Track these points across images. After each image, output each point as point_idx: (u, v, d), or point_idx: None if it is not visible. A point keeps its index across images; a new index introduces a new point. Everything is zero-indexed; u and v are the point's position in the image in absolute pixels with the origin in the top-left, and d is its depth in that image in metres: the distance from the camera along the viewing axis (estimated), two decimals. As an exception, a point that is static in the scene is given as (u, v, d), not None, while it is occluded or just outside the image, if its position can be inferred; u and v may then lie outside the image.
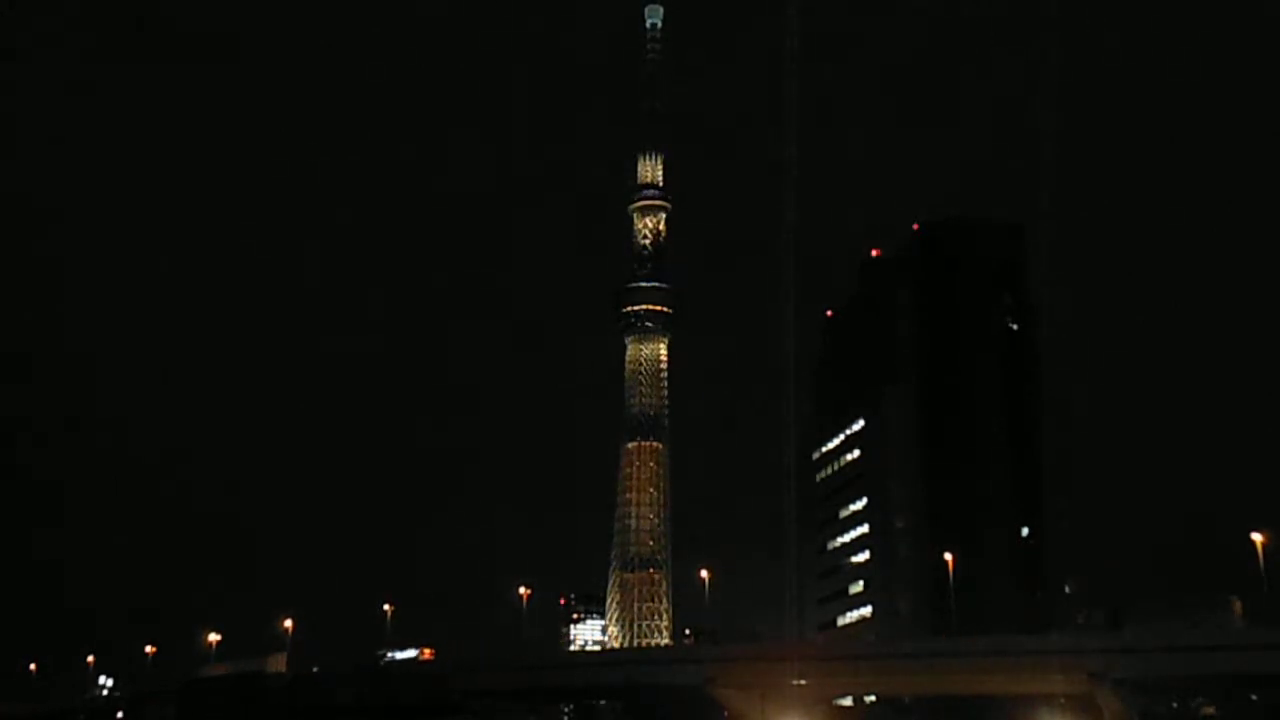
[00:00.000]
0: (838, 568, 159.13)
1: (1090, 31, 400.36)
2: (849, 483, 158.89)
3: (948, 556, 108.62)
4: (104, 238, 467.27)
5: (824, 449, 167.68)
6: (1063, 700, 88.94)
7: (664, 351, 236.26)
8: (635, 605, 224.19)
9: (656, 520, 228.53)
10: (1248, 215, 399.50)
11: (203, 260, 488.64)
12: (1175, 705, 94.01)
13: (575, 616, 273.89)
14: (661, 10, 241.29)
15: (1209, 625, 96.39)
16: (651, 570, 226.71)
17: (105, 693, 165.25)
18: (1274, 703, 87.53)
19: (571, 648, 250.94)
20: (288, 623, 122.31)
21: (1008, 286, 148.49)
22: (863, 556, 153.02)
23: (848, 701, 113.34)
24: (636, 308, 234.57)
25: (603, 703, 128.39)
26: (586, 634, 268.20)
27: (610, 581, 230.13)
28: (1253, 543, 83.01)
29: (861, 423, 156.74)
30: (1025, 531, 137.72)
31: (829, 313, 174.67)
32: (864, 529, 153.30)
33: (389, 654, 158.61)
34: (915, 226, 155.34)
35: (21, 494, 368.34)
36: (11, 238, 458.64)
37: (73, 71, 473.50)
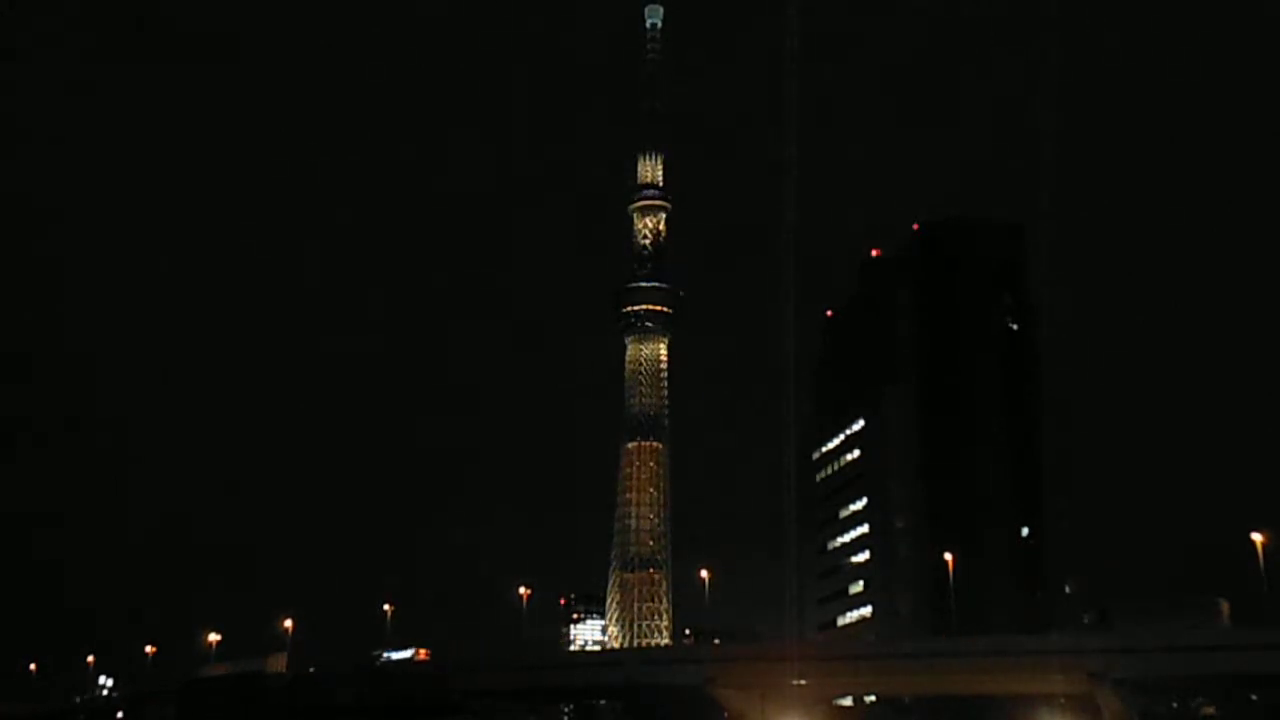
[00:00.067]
0: (838, 568, 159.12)
1: (1090, 31, 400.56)
2: (849, 483, 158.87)
3: (948, 556, 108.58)
4: (104, 238, 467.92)
5: (824, 449, 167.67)
6: (1063, 700, 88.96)
7: (664, 351, 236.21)
8: (635, 605, 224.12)
9: (656, 520, 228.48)
10: (1248, 215, 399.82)
11: (203, 260, 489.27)
12: (1175, 705, 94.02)
13: (575, 616, 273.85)
14: (661, 10, 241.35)
15: (1205, 626, 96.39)
16: (651, 570, 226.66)
17: (105, 693, 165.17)
18: (1274, 703, 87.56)
19: (571, 648, 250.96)
20: (288, 623, 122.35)
21: (1008, 286, 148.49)
22: (863, 556, 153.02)
23: (848, 701, 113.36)
24: (636, 308, 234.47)
25: (603, 703, 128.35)
26: (586, 634, 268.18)
27: (610, 581, 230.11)
28: (1252, 543, 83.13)
29: (861, 423, 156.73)
30: (1025, 531, 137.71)
31: (829, 313, 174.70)
32: (864, 529, 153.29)
33: (385, 654, 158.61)
34: (915, 226, 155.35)
35: (21, 494, 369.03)
36: (11, 238, 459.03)
37: (73, 71, 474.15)
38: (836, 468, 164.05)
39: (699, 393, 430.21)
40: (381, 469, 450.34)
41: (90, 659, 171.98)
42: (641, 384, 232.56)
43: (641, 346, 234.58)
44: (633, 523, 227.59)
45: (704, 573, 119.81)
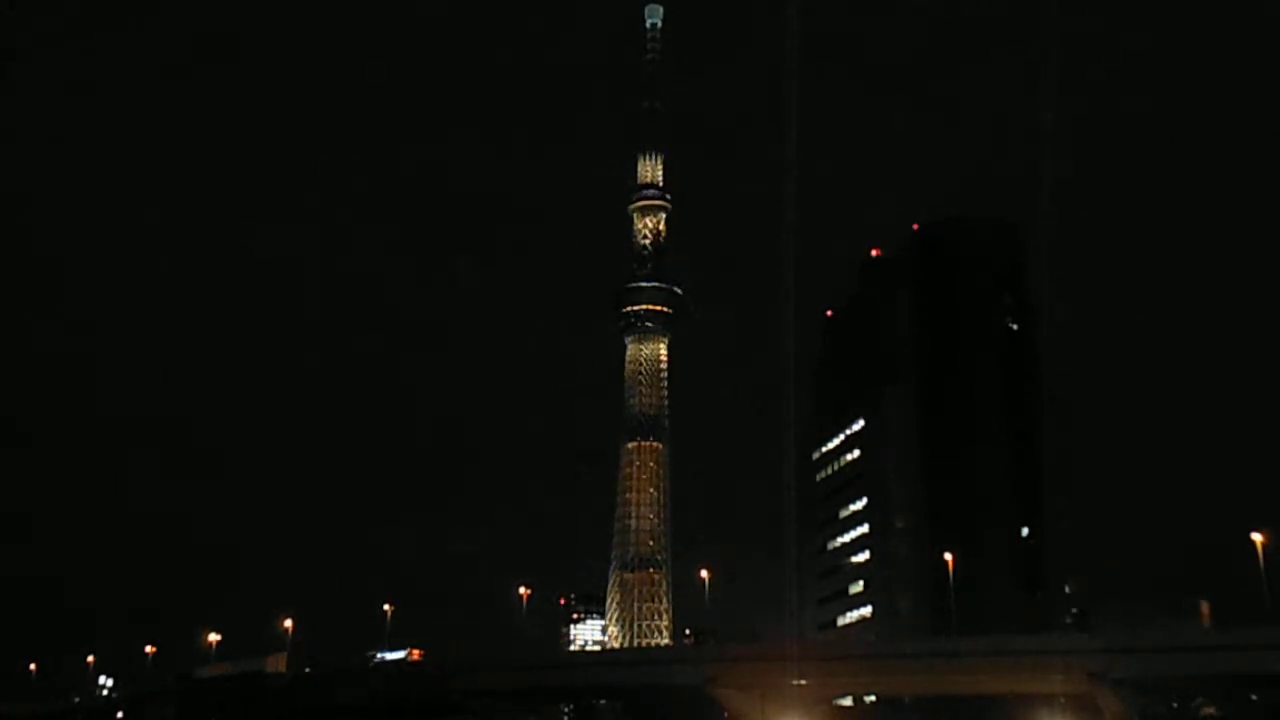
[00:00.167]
0: (838, 568, 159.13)
1: (1090, 31, 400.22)
2: (849, 483, 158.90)
3: (948, 556, 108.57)
4: (104, 238, 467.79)
5: (824, 449, 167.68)
6: (1063, 700, 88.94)
7: (664, 351, 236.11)
8: (635, 605, 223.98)
9: (656, 520, 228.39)
10: (1248, 215, 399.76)
11: (203, 260, 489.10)
12: (1175, 705, 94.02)
13: (575, 616, 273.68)
14: (661, 10, 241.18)
15: (1186, 627, 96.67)
16: (651, 570, 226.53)
17: (105, 693, 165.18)
18: (1274, 703, 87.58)
19: (571, 648, 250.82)
20: (288, 623, 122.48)
21: (1008, 286, 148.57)
22: (863, 556, 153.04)
23: (848, 701, 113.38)
24: (636, 308, 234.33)
25: (603, 703, 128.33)
26: (586, 634, 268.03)
27: (610, 581, 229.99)
28: (1252, 543, 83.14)
29: (861, 423, 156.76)
30: (1025, 531, 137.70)
31: (829, 313, 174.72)
32: (864, 529, 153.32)
33: (379, 654, 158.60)
34: (915, 226, 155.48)
35: (21, 494, 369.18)
36: (11, 238, 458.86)
37: (73, 71, 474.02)
38: (836, 468, 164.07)
39: (699, 393, 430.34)
40: (381, 469, 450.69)
41: (90, 659, 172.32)
42: (641, 384, 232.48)
43: (641, 346, 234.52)
44: (633, 523, 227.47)
45: (704, 573, 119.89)
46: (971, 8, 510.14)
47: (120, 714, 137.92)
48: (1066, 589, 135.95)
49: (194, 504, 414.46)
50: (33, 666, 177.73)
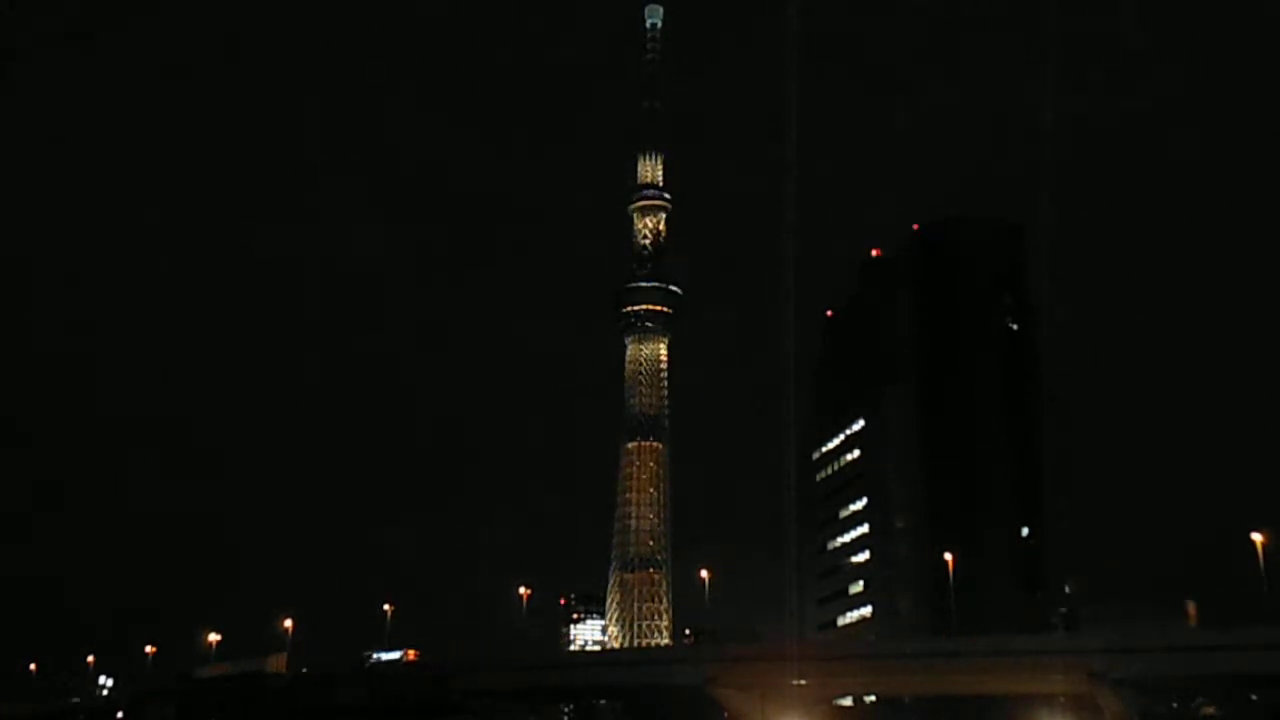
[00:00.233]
0: (838, 568, 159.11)
1: (1090, 31, 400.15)
2: (849, 483, 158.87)
3: (948, 556, 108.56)
4: (104, 238, 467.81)
5: (824, 449, 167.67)
6: (1063, 700, 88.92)
7: (664, 351, 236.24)
8: (635, 605, 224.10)
9: (656, 520, 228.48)
10: (1248, 216, 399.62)
11: (203, 260, 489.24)
12: (1175, 705, 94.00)
13: (575, 616, 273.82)
14: (661, 10, 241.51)
15: (1172, 627, 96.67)
16: (651, 570, 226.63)
17: (105, 693, 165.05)
18: (1274, 703, 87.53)
19: (571, 648, 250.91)
20: (288, 623, 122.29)
21: (1008, 286, 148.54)
22: (863, 556, 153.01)
23: (848, 701, 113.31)
24: (636, 308, 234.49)
25: (603, 703, 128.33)
26: (586, 634, 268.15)
27: (610, 581, 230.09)
28: (1252, 542, 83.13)
29: (861, 423, 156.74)
30: (1025, 531, 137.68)
31: (829, 313, 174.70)
32: (864, 529, 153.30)
33: (375, 655, 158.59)
34: (915, 226, 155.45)
35: (21, 494, 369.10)
36: (11, 238, 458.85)
37: (73, 71, 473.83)
38: (836, 468, 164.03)
39: (699, 393, 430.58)
40: (382, 469, 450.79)
41: (90, 659, 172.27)
42: (641, 384, 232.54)
43: (641, 346, 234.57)
44: (633, 523, 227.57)
45: (704, 573, 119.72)
46: (971, 8, 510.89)
47: (120, 714, 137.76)
48: (1066, 589, 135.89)
49: (194, 504, 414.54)
50: (33, 666, 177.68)
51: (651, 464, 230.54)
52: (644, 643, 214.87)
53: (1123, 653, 79.89)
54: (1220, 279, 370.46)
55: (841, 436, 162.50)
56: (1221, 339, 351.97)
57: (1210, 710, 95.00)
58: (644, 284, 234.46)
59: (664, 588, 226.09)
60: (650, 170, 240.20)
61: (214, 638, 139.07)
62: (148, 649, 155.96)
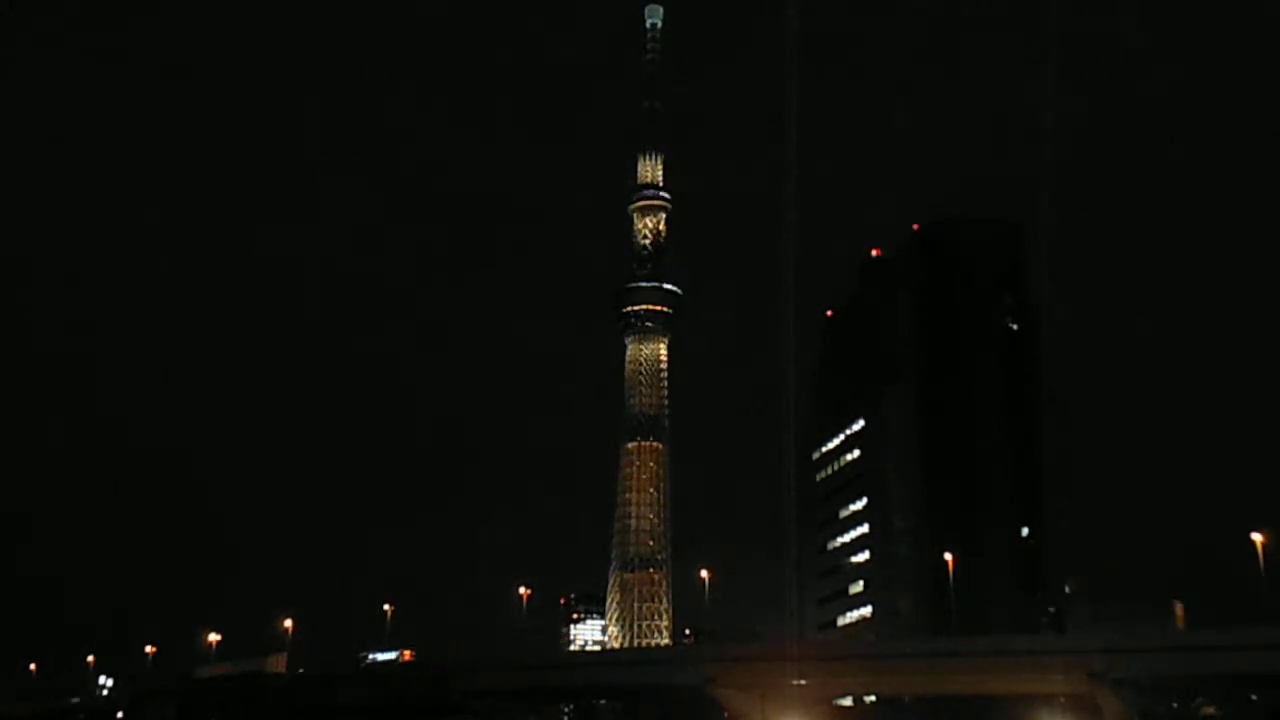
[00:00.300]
0: (838, 568, 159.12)
1: (1090, 31, 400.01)
2: (849, 483, 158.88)
3: (948, 556, 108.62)
4: (104, 238, 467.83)
5: (824, 449, 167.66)
6: (1063, 700, 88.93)
7: (664, 351, 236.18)
8: (635, 605, 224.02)
9: (656, 520, 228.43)
10: (1248, 215, 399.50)
11: (203, 260, 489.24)
12: (1175, 705, 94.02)
13: (575, 616, 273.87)
14: (661, 10, 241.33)
15: (1159, 628, 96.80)
16: (651, 570, 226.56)
17: (105, 693, 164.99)
18: (1274, 703, 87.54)
19: (571, 648, 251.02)
20: (288, 623, 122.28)
21: (1008, 286, 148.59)
22: (863, 556, 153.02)
23: (848, 701, 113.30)
24: (636, 308, 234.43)
25: (603, 703, 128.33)
26: (586, 634, 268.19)
27: (610, 581, 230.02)
28: (1252, 542, 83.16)
29: (861, 423, 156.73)
30: (1025, 531, 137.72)
31: (829, 313, 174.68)
32: (864, 529, 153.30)
33: (370, 655, 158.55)
34: (915, 226, 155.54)
35: (21, 494, 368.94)
36: (11, 238, 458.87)
37: (74, 71, 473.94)
38: (836, 468, 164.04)
39: (699, 393, 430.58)
40: (382, 469, 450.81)
41: (90, 659, 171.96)
42: (641, 384, 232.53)
43: (641, 346, 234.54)
44: (633, 523, 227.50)
45: (704, 573, 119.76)
46: (971, 8, 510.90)
47: (120, 714, 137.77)
48: (1066, 589, 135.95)
49: (194, 504, 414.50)
50: (33, 666, 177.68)
51: (651, 464, 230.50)
52: (644, 643, 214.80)
53: (1122, 653, 79.95)
54: (1220, 279, 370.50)
55: (841, 436, 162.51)
56: (1221, 339, 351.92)
57: (1210, 710, 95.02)
58: (644, 284, 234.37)
59: (664, 588, 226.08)
60: (650, 170, 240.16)
61: (214, 638, 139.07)
62: (148, 649, 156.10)
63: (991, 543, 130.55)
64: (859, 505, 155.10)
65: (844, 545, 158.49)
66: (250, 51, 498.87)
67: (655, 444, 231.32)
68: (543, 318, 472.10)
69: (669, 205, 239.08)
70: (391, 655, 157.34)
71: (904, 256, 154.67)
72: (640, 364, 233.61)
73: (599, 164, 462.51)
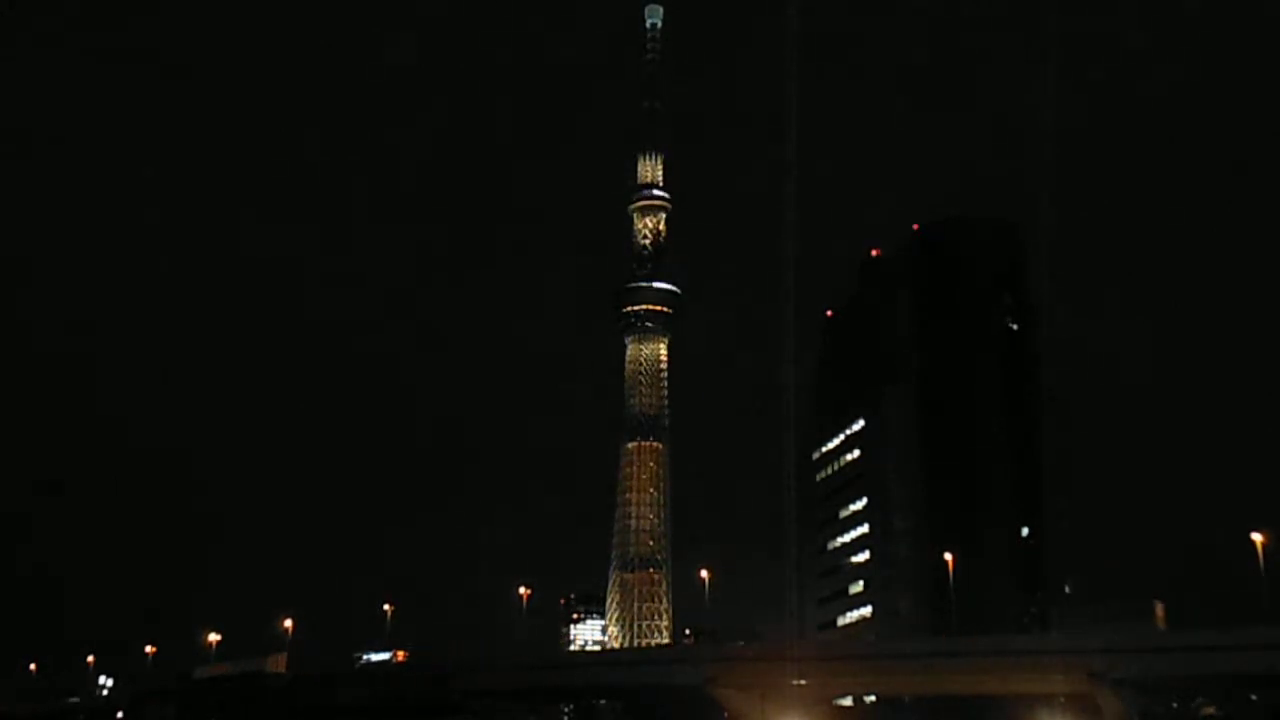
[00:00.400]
0: (838, 568, 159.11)
1: (1090, 31, 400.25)
2: (849, 483, 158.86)
3: (948, 556, 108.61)
4: (104, 238, 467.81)
5: (824, 449, 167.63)
6: (1063, 700, 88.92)
7: (664, 351, 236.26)
8: (635, 605, 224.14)
9: (656, 520, 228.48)
10: (1248, 215, 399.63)
11: (203, 260, 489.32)
12: (1175, 705, 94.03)
13: (575, 616, 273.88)
14: (661, 10, 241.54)
15: (1141, 628, 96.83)
16: (651, 570, 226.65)
17: (105, 693, 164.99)
18: (1274, 703, 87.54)
19: (571, 648, 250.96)
20: (288, 623, 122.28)
21: (1008, 286, 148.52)
22: (863, 556, 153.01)
23: (848, 701, 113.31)
24: (636, 308, 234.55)
25: (603, 703, 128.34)
26: (586, 634, 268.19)
27: (610, 581, 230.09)
28: (1252, 542, 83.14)
29: (861, 423, 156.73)
30: (1025, 531, 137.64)
31: (829, 313, 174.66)
32: (864, 529, 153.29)
33: (365, 656, 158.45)
34: (915, 226, 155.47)
35: (21, 494, 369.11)
36: (11, 238, 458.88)
37: (73, 71, 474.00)
38: (836, 468, 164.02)
39: (699, 393, 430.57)
40: (382, 469, 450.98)
41: (90, 659, 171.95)
42: (641, 384, 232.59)
43: (641, 346, 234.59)
44: (633, 523, 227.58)
45: (704, 573, 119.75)
46: (971, 8, 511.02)
47: (120, 714, 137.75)
48: (1066, 589, 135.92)
49: (194, 504, 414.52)
50: (33, 666, 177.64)
51: (651, 464, 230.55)
52: (644, 643, 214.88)
53: (1123, 653, 79.95)
54: (1220, 279, 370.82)
55: (841, 436, 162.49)
56: (1221, 339, 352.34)
57: (1210, 710, 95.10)
58: (644, 284, 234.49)
59: (664, 588, 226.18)
60: (650, 170, 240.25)
61: (214, 638, 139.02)
62: (148, 649, 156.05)
63: (991, 543, 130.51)
64: (859, 505, 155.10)
65: (844, 545, 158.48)
66: (251, 52, 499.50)
67: (655, 444, 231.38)
68: (543, 318, 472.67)
69: (669, 205, 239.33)
70: (386, 655, 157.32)
71: (904, 256, 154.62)
72: (640, 364, 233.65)
73: (599, 164, 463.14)
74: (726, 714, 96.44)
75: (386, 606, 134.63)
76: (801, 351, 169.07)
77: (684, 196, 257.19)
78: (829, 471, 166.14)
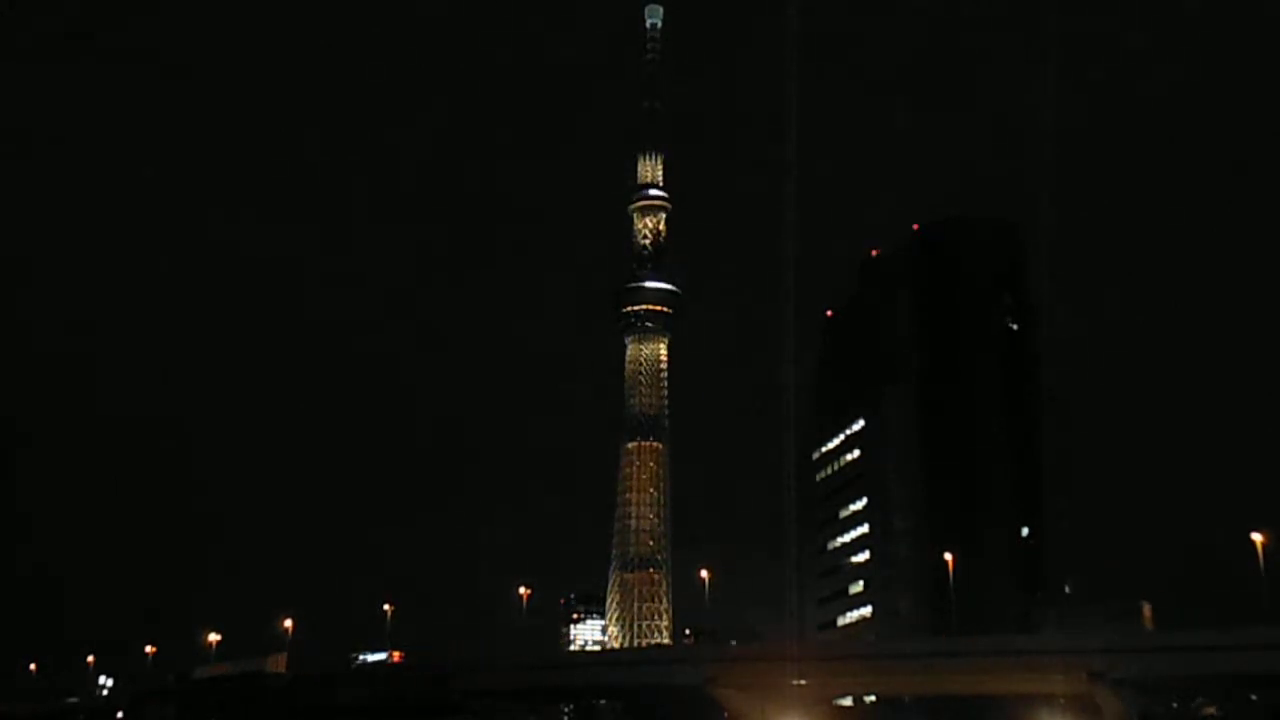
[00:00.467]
0: (838, 568, 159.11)
1: (1090, 31, 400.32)
2: (849, 483, 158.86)
3: (948, 556, 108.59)
4: (104, 238, 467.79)
5: (824, 449, 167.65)
6: (1063, 700, 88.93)
7: (664, 351, 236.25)
8: (635, 605, 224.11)
9: (656, 520, 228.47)
10: (1248, 215, 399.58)
11: (203, 260, 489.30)
12: (1175, 705, 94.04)
13: (575, 616, 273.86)
14: (661, 10, 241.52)
15: (1129, 629, 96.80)
16: (651, 570, 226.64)
17: (105, 693, 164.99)
18: (1274, 703, 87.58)
19: (571, 648, 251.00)
20: (288, 623, 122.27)
21: (1008, 286, 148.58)
22: (863, 556, 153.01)
23: (848, 701, 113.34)
24: (636, 308, 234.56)
25: (603, 703, 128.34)
26: (586, 634, 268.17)
27: (610, 581, 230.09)
28: (1252, 542, 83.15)
29: (861, 423, 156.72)
30: (1025, 531, 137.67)
31: (829, 313, 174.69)
32: (864, 529, 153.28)
33: (361, 656, 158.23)
34: (915, 226, 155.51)
35: (20, 494, 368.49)
36: (11, 238, 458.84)
37: (73, 71, 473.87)
38: (836, 468, 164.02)
39: (699, 393, 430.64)
40: (382, 469, 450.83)
41: (90, 659, 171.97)
42: (641, 384, 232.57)
43: (641, 346, 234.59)
44: (633, 523, 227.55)
45: (704, 573, 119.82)
46: (971, 8, 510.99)
47: (120, 714, 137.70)
48: (1066, 589, 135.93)
49: (194, 504, 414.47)
50: (33, 666, 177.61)
51: (651, 464, 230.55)
52: (644, 643, 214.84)
53: (1123, 653, 79.97)
54: (1220, 279, 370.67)
55: (841, 436, 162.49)
56: (1221, 339, 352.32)
57: (1210, 710, 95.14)
58: (644, 284, 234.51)
59: (664, 588, 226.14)
60: (650, 170, 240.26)
61: (214, 638, 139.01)
62: (148, 649, 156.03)
63: (991, 543, 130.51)
64: (859, 505, 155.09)
65: (844, 545, 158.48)
66: (251, 52, 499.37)
67: (655, 444, 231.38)
68: (543, 318, 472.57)
69: (669, 205, 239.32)
70: (382, 656, 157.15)
71: (904, 256, 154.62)
72: (640, 364, 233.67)
73: (599, 164, 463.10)
74: (726, 714, 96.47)
75: (386, 606, 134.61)
76: (801, 351, 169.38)
77: (684, 196, 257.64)
78: (829, 471, 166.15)
